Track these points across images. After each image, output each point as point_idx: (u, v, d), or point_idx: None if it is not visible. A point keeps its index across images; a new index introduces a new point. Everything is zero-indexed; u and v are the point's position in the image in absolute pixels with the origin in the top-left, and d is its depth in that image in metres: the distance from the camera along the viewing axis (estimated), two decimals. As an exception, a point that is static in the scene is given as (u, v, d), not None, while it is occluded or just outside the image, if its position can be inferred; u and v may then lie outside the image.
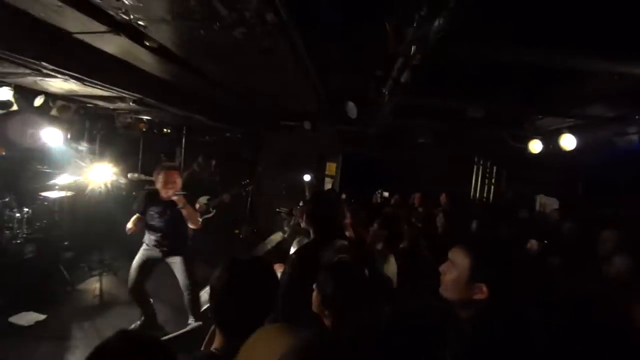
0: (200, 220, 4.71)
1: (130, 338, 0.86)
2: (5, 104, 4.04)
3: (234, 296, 1.14)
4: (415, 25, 1.45)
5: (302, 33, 2.06)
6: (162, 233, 3.20)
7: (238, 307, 1.12)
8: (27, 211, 4.19)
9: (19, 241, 4.05)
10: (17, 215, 4.11)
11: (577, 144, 3.59)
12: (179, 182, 3.16)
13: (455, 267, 1.16)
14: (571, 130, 3.62)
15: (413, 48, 1.60)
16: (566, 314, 1.47)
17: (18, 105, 4.09)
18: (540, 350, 1.08)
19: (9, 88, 3.59)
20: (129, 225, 3.11)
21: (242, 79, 3.51)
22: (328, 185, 6.71)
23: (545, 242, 2.36)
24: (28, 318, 3.29)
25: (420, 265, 2.53)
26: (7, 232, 4.03)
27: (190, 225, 3.26)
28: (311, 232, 1.88)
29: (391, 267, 2.22)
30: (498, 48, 1.93)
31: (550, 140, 3.91)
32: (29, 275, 3.86)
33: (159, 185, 3.12)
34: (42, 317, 3.32)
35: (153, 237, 3.23)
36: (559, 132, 3.70)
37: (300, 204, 4.14)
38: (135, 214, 3.19)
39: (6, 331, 3.10)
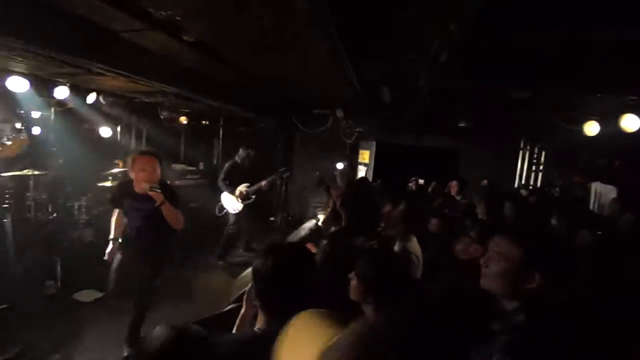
0: (242, 205, 4.90)
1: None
2: (62, 102, 4.42)
3: (279, 279, 1.18)
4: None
5: (334, 17, 2.02)
6: (135, 231, 2.72)
7: (283, 289, 1.18)
8: (86, 199, 4.59)
9: (79, 226, 4.47)
10: (77, 203, 4.52)
11: (641, 126, 3.23)
12: (156, 172, 2.58)
13: (502, 257, 1.11)
14: (634, 109, 3.26)
15: (451, 25, 1.51)
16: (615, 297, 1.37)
17: (73, 103, 4.47)
18: (594, 333, 1.02)
19: (66, 87, 3.91)
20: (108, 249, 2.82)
21: (275, 69, 3.53)
22: (361, 173, 6.63)
23: (599, 232, 2.17)
24: (89, 295, 3.64)
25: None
26: (69, 218, 4.45)
27: (174, 226, 2.66)
28: (343, 218, 1.87)
29: (415, 246, 2.16)
30: (540, 25, 1.76)
31: (609, 121, 3.56)
32: (89, 257, 4.25)
33: (132, 174, 2.59)
34: (100, 294, 3.66)
35: (130, 236, 2.79)
36: (620, 112, 3.34)
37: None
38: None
39: (72, 306, 3.46)
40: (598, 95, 3.26)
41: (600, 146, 4.51)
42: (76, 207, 4.53)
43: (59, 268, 3.75)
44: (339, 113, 5.40)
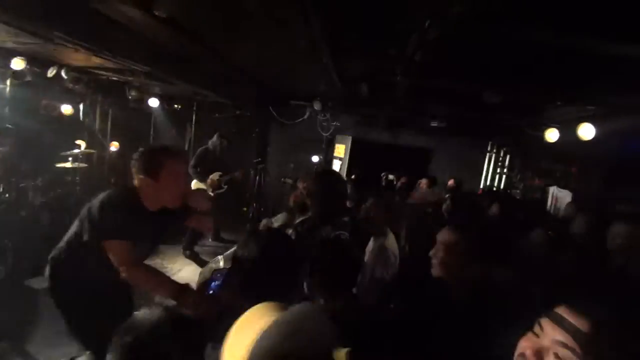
0: (213, 194, 4.80)
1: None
2: (19, 75, 4.09)
3: (266, 267, 1.14)
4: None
5: (316, 6, 1.99)
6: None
7: (269, 278, 1.13)
8: (42, 180, 4.30)
9: (34, 209, 4.19)
10: (32, 184, 4.23)
11: (596, 134, 3.46)
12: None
13: (444, 246, 1.23)
14: (590, 119, 3.49)
15: (427, 23, 1.53)
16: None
17: (31, 76, 4.15)
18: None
19: (22, 58, 3.62)
20: None
21: (253, 55, 3.46)
22: (336, 166, 6.68)
23: (550, 232, 2.32)
24: (43, 281, 3.42)
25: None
26: (23, 200, 4.16)
27: None
28: (311, 207, 1.88)
29: (392, 243, 2.22)
30: (516, 29, 1.84)
31: (568, 129, 3.78)
32: (44, 241, 3.99)
33: (150, 183, 1.67)
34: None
35: None
36: (578, 121, 3.57)
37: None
38: None
39: (22, 293, 3.25)
40: (558, 104, 3.46)
41: (560, 152, 4.80)
42: (31, 188, 4.23)
43: (10, 253, 3.51)
44: (317, 105, 5.38)
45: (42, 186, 4.30)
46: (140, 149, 1.70)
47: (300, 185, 2.42)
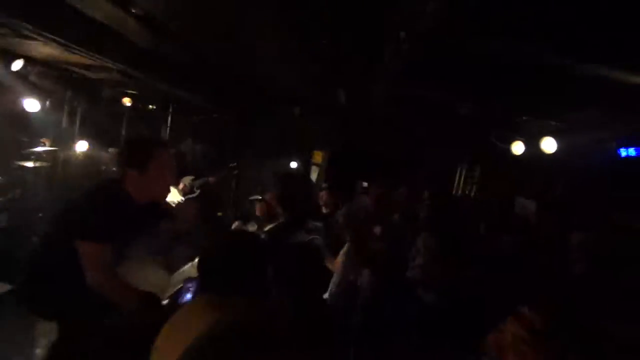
0: (184, 199, 4.68)
1: None
2: (-20, 66, 3.86)
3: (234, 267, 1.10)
4: (404, 9, 1.44)
5: (291, 15, 2.02)
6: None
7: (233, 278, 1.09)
8: (1, 180, 4.04)
9: (-10, 209, 3.92)
10: (-11, 182, 3.97)
11: (558, 148, 3.68)
12: None
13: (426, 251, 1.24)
14: (553, 133, 3.71)
15: (402, 35, 1.60)
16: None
17: (-6, 68, 3.91)
18: None
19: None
20: None
21: (231, 58, 3.44)
22: (314, 173, 6.70)
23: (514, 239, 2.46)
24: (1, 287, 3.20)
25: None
26: (-22, 199, 3.89)
27: None
28: (280, 214, 1.89)
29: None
30: (486, 43, 1.95)
31: (533, 142, 4.00)
32: (2, 244, 3.74)
33: (140, 175, 1.62)
34: (9, 287, 3.23)
35: None
36: (542, 134, 3.79)
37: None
38: None
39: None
40: (524, 118, 3.66)
41: (526, 164, 5.07)
42: (-12, 187, 3.97)
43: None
44: (296, 111, 5.41)
45: (1, 186, 4.04)
46: (126, 141, 1.65)
47: (268, 197, 2.41)
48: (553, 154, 3.74)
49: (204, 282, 1.05)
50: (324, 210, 3.79)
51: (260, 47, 2.84)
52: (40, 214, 4.50)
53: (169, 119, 6.63)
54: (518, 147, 4.30)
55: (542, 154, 3.80)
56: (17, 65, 3.86)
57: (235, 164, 5.56)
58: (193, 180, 4.74)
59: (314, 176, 6.69)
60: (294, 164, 6.58)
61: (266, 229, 2.18)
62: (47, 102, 4.97)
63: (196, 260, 2.84)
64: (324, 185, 4.53)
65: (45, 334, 2.69)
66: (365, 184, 5.44)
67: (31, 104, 4.74)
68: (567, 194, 5.04)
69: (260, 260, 1.14)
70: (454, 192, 6.93)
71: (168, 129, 6.68)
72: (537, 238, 3.55)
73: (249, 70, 3.91)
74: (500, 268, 2.04)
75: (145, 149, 1.60)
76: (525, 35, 1.96)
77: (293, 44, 2.43)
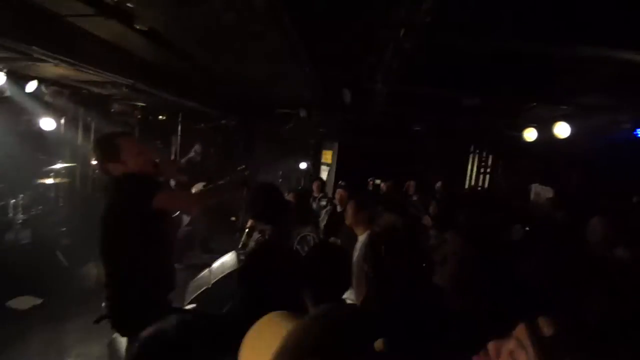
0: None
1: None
2: (-1, 90, 4.01)
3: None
4: (403, 7, 1.44)
5: (293, 18, 2.04)
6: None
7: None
8: (23, 197, 4.20)
9: (15, 227, 4.08)
10: (13, 201, 4.12)
11: (571, 133, 3.60)
12: None
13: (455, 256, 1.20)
14: (565, 118, 3.63)
15: (402, 32, 1.59)
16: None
17: (11, 91, 4.06)
18: None
19: (1, 73, 3.55)
20: None
21: (236, 66, 3.48)
22: (324, 173, 6.72)
23: (527, 228, 2.40)
24: (25, 302, 3.33)
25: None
26: (3, 218, 4.05)
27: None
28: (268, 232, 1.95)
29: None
30: (488, 37, 1.92)
31: (545, 128, 3.92)
32: (26, 260, 3.89)
33: (124, 163, 1.76)
34: (38, 301, 3.37)
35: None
36: (554, 120, 3.71)
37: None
38: None
39: (3, 315, 3.15)
40: (534, 104, 3.59)
41: (539, 151, 4.96)
42: (11, 206, 4.12)
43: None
44: (302, 113, 5.42)
45: (24, 204, 4.20)
46: (94, 141, 1.81)
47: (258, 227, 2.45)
48: (567, 138, 3.66)
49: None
50: (339, 209, 3.84)
51: (265, 56, 2.87)
52: (62, 229, 4.66)
53: (179, 127, 6.76)
54: (531, 134, 4.22)
55: (555, 139, 3.72)
56: (31, 86, 4.00)
57: (244, 167, 5.62)
58: (205, 186, 4.84)
59: (324, 175, 6.71)
60: (303, 165, 6.61)
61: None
62: (62, 120, 5.13)
63: (213, 266, 2.90)
64: (340, 183, 4.57)
65: (74, 345, 2.81)
66: (378, 181, 5.43)
67: (47, 123, 4.91)
68: (584, 179, 4.92)
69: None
70: (466, 182, 6.85)
71: (179, 137, 6.81)
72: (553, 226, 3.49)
73: (253, 76, 3.95)
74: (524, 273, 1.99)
75: (112, 142, 1.76)
76: (532, 19, 1.93)
77: (297, 48, 2.45)
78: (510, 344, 0.68)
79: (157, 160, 1.87)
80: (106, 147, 1.77)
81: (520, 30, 1.96)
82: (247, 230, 2.26)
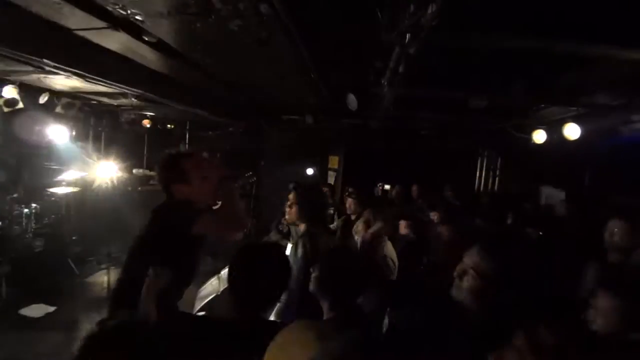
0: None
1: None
2: (11, 102, 4.11)
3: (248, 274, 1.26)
4: (408, 12, 1.44)
5: (299, 25, 2.05)
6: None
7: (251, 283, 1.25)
8: (35, 207, 4.28)
9: (28, 236, 4.15)
10: (26, 210, 4.21)
11: (582, 134, 3.53)
12: None
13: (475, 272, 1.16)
14: (575, 119, 3.57)
15: (407, 36, 1.59)
16: None
17: (23, 103, 4.17)
18: None
19: (14, 86, 3.65)
20: None
21: (242, 73, 3.52)
22: (331, 178, 6.71)
23: (541, 233, 2.35)
24: (38, 310, 3.38)
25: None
26: (17, 227, 4.13)
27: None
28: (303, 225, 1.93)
29: (390, 250, 2.27)
30: (495, 37, 1.91)
31: (554, 130, 3.86)
32: (39, 269, 3.96)
33: (182, 187, 1.71)
34: (51, 309, 3.41)
35: None
36: (563, 121, 3.65)
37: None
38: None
39: (17, 322, 3.19)
40: (542, 105, 3.54)
41: (549, 153, 4.89)
42: (25, 215, 4.21)
43: (3, 281, 3.46)
44: (308, 119, 5.44)
45: (36, 213, 4.28)
46: (159, 161, 1.74)
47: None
48: (577, 139, 3.59)
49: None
50: (352, 218, 3.82)
51: (270, 64, 2.89)
52: (73, 237, 4.74)
53: (187, 136, 6.85)
54: (540, 136, 4.16)
55: (565, 141, 3.65)
56: (43, 98, 4.10)
57: (250, 173, 5.65)
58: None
59: (331, 181, 6.70)
60: (310, 171, 6.62)
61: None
62: (73, 131, 5.24)
63: (221, 273, 2.90)
64: (349, 190, 4.54)
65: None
66: (387, 186, 5.41)
67: (59, 134, 5.02)
68: (596, 180, 4.82)
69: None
70: (475, 185, 6.77)
71: (187, 145, 6.89)
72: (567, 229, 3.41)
73: (260, 83, 3.98)
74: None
75: (179, 163, 1.67)
76: (541, 18, 1.91)
77: (302, 57, 2.46)
78: (510, 353, 0.67)
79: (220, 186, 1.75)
80: (172, 168, 1.68)
81: (528, 30, 1.95)
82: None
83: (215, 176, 1.73)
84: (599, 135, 3.58)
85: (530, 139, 4.18)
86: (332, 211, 4.44)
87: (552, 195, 5.58)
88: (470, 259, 1.15)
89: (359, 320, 1.30)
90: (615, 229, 2.32)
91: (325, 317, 1.32)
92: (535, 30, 1.96)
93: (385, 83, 2.63)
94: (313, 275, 1.40)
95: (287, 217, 2.37)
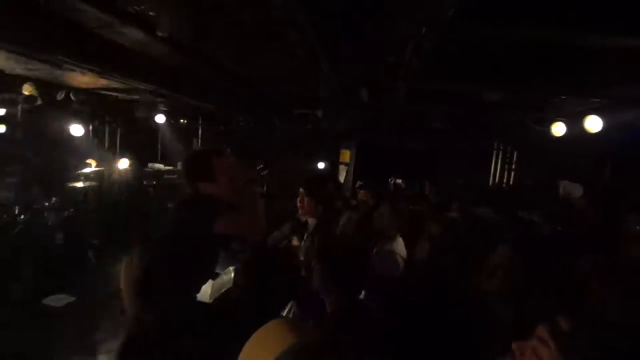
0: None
1: None
2: (30, 99, 4.23)
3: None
4: (424, 3, 1.40)
5: (311, 17, 2.03)
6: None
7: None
8: (55, 201, 4.41)
9: (48, 229, 4.29)
10: (47, 204, 4.34)
11: (603, 126, 3.41)
12: None
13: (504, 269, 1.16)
14: (596, 111, 3.44)
15: (423, 27, 1.55)
16: None
17: (42, 100, 4.28)
18: None
19: (32, 84, 3.74)
20: None
21: (254, 67, 3.51)
22: (342, 172, 6.69)
23: (559, 228, 2.29)
24: (60, 300, 3.50)
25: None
26: (40, 219, 4.27)
27: None
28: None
29: (400, 247, 2.25)
30: (513, 27, 1.85)
31: (575, 122, 3.74)
32: (60, 260, 4.10)
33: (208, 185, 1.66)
34: (72, 299, 3.53)
35: None
36: (584, 113, 3.52)
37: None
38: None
39: (40, 312, 3.32)
40: (563, 97, 3.43)
41: (568, 146, 4.74)
42: (45, 209, 4.35)
43: (26, 272, 3.60)
44: (320, 113, 5.42)
45: (57, 206, 4.41)
46: (187, 157, 1.73)
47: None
48: (597, 132, 3.47)
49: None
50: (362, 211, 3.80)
51: (282, 57, 2.88)
52: (92, 229, 4.88)
53: (199, 130, 6.91)
54: (559, 128, 4.04)
55: (584, 133, 3.54)
56: (60, 95, 4.19)
57: (262, 166, 5.68)
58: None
59: (342, 175, 6.68)
60: (321, 165, 6.60)
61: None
62: (90, 126, 5.35)
63: (233, 266, 2.94)
64: (360, 184, 4.51)
65: (107, 340, 2.92)
66: (399, 181, 5.36)
67: (76, 129, 5.14)
68: (616, 175, 4.66)
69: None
70: (490, 179, 6.64)
71: (199, 140, 6.97)
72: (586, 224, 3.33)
73: (272, 79, 3.97)
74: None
75: (206, 160, 1.64)
76: (561, 7, 1.83)
77: (314, 50, 2.44)
78: (532, 342, 0.67)
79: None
80: (199, 165, 1.65)
81: (548, 20, 1.88)
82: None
83: (241, 178, 1.71)
84: (620, 128, 3.45)
85: (548, 131, 4.06)
86: (340, 204, 4.42)
87: (570, 189, 5.42)
88: (501, 255, 1.16)
89: (361, 316, 1.30)
90: (638, 226, 2.25)
91: (328, 311, 1.33)
92: (556, 20, 1.89)
93: (399, 76, 2.59)
94: (315, 270, 1.39)
95: (299, 212, 2.37)
